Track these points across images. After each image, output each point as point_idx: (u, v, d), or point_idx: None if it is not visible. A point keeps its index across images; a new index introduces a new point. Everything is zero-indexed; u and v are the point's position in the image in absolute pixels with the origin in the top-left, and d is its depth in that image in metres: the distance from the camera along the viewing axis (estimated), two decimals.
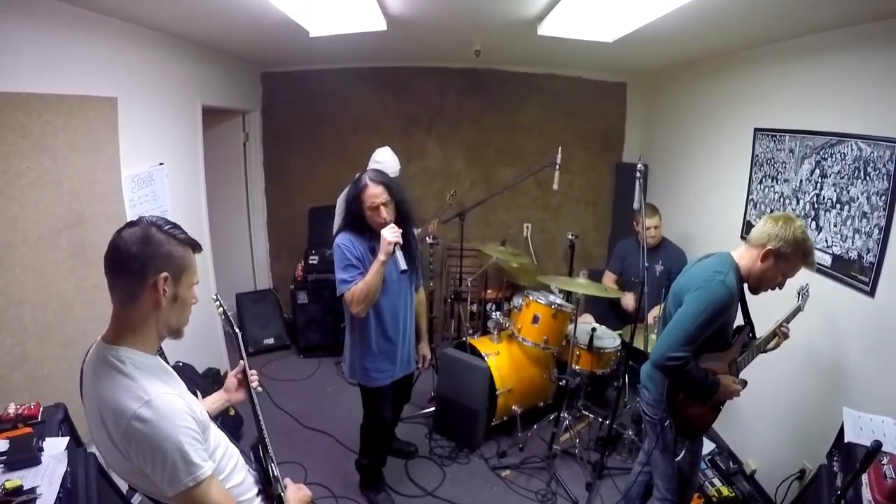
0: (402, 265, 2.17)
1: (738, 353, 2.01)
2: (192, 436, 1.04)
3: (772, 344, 2.08)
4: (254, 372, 1.52)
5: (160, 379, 1.08)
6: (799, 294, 2.12)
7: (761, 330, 2.09)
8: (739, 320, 2.04)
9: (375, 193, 2.18)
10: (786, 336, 2.08)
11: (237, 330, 1.51)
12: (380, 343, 2.36)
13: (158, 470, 1.01)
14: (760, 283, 1.89)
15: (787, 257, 1.81)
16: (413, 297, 2.50)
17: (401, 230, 2.18)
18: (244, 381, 1.49)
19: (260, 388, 1.51)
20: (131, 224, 1.10)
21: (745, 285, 1.93)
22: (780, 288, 1.90)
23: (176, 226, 1.13)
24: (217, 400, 1.49)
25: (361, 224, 2.25)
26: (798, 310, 2.11)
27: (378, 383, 2.40)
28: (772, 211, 2.78)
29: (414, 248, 2.40)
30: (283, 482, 1.39)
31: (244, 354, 1.51)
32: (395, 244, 2.13)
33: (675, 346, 1.80)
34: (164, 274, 1.06)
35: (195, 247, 1.16)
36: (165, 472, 1.00)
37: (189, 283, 1.14)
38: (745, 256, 1.88)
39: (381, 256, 2.14)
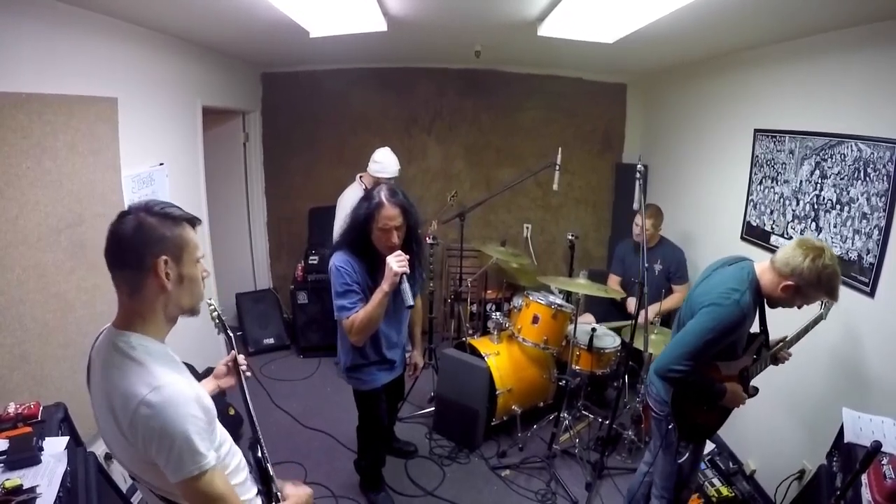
0: (409, 300, 2.06)
1: (750, 361, 2.00)
2: (199, 425, 1.04)
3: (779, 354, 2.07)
4: (242, 357, 1.54)
5: (170, 367, 1.08)
6: (822, 303, 2.04)
7: (777, 334, 2.08)
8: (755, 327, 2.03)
9: (391, 216, 2.03)
10: (787, 358, 2.08)
11: (230, 333, 1.52)
12: (371, 354, 2.33)
13: (164, 456, 1.00)
14: (778, 304, 1.87)
15: (807, 294, 1.78)
16: (408, 312, 2.45)
17: (407, 257, 2.04)
18: (235, 370, 1.50)
19: (249, 373, 1.52)
20: (124, 214, 1.08)
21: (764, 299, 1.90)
22: (799, 309, 1.88)
23: (168, 204, 1.11)
24: (208, 388, 1.49)
25: (364, 243, 2.12)
26: (820, 318, 2.07)
27: (369, 387, 2.38)
28: (772, 212, 2.78)
29: (419, 273, 2.32)
30: (281, 486, 1.39)
31: (235, 348, 1.53)
32: (402, 275, 2.02)
33: (678, 360, 1.80)
34: (164, 257, 1.05)
35: (192, 221, 1.14)
36: (171, 458, 1.00)
37: (192, 260, 1.12)
38: (766, 276, 1.83)
39: (385, 287, 2.01)
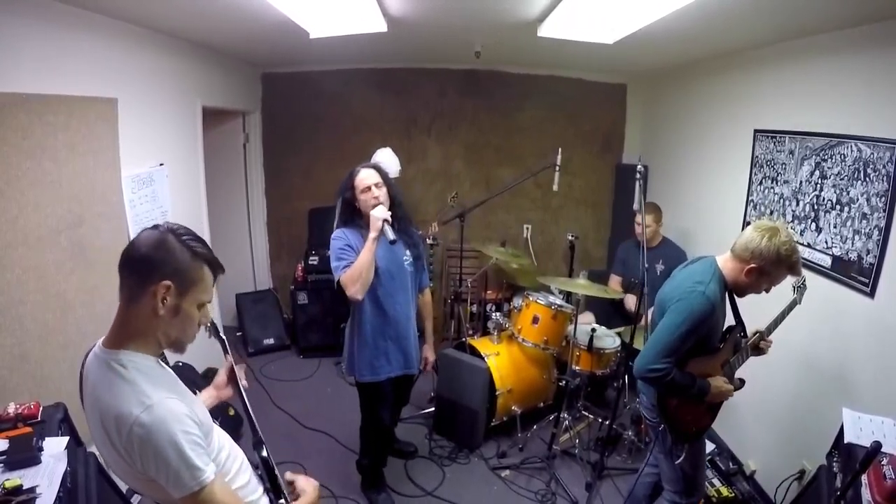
0: (391, 236, 2.21)
1: (731, 353, 2.01)
2: (193, 440, 1.03)
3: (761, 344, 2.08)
4: (242, 366, 1.52)
5: (162, 382, 1.08)
6: (795, 288, 2.10)
7: (754, 326, 2.09)
8: (730, 319, 2.04)
9: (366, 176, 2.30)
10: (768, 346, 2.08)
11: (222, 337, 1.51)
12: (376, 338, 2.37)
13: (163, 474, 1.01)
14: (746, 291, 1.90)
15: (770, 273, 1.80)
16: (415, 295, 2.51)
17: (390, 213, 2.25)
18: (232, 380, 1.49)
19: (246, 384, 1.50)
20: (154, 227, 1.10)
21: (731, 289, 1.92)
22: (767, 292, 1.90)
23: (197, 238, 1.11)
24: (207, 398, 1.48)
25: (355, 216, 2.33)
26: (795, 303, 2.10)
27: (372, 378, 2.39)
28: (772, 212, 2.79)
29: (416, 239, 2.50)
30: (292, 479, 1.36)
31: (230, 353, 1.52)
32: (384, 220, 2.20)
33: (655, 359, 1.81)
34: (167, 283, 1.04)
35: (214, 265, 1.13)
36: (170, 476, 1.00)
37: (196, 300, 1.11)
38: (728, 265, 1.87)
39: (372, 233, 2.19)
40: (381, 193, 2.28)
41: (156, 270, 1.04)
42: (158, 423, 0.99)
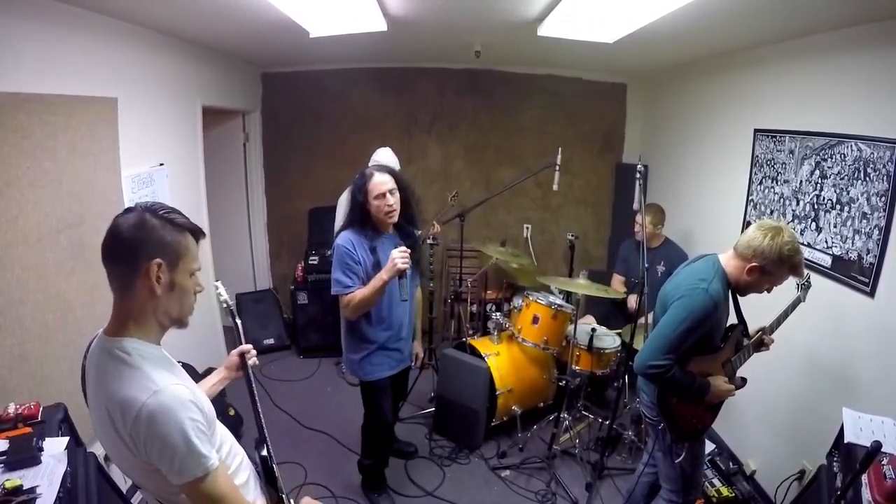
0: (404, 295, 2.32)
1: (732, 352, 2.01)
2: (199, 427, 1.03)
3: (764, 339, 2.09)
4: (250, 348, 1.48)
5: (166, 369, 1.07)
6: (799, 286, 2.10)
7: (756, 324, 2.10)
8: (732, 318, 2.04)
9: (382, 181, 2.22)
10: (770, 343, 2.09)
11: (237, 321, 1.49)
12: (377, 336, 2.36)
13: (167, 461, 1.00)
14: (747, 290, 1.90)
15: (772, 273, 1.80)
16: (413, 294, 2.51)
17: (409, 252, 2.18)
18: (243, 364, 1.47)
19: (256, 361, 1.48)
20: (128, 210, 1.08)
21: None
22: (769, 292, 1.90)
23: (173, 210, 1.10)
24: (217, 380, 1.47)
25: (365, 219, 2.27)
26: (798, 301, 2.10)
27: (375, 376, 2.40)
28: (772, 212, 2.79)
29: (418, 244, 2.47)
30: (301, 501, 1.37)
31: (243, 340, 1.48)
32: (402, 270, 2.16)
33: (656, 355, 1.81)
34: (157, 260, 1.04)
35: (195, 232, 1.12)
36: (174, 463, 1.00)
37: (187, 270, 1.10)
38: (731, 264, 1.87)
39: (385, 276, 2.15)
40: (395, 200, 2.24)
41: (143, 251, 1.03)
42: (165, 409, 0.99)
